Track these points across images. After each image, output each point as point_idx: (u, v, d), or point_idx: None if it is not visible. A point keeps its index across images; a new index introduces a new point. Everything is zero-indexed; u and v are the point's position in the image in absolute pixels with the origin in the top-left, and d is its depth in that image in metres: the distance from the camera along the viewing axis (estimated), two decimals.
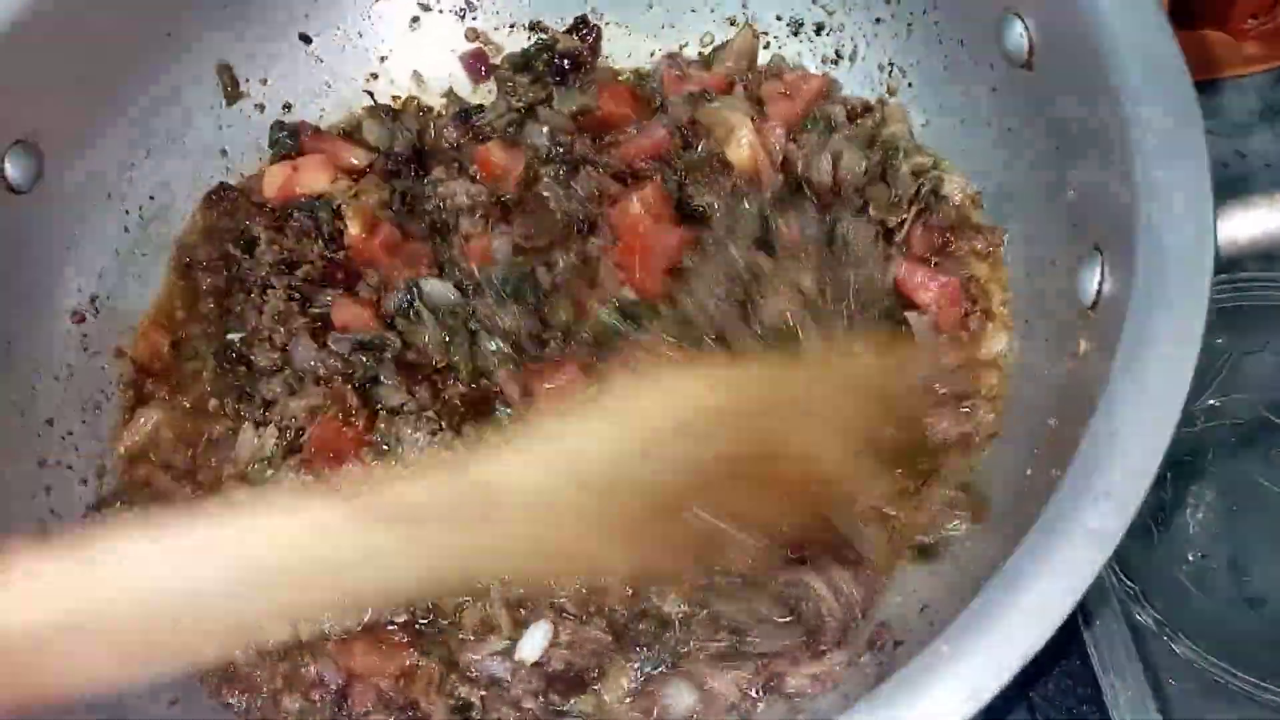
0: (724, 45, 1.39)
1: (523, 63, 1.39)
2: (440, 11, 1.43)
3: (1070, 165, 1.01)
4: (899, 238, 1.22)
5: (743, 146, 1.25)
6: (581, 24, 1.41)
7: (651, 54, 1.42)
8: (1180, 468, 1.21)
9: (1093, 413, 0.76)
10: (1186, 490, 1.21)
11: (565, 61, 1.38)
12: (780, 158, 1.27)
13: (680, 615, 1.06)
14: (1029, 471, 0.96)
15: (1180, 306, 0.77)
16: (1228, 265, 1.21)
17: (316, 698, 1.06)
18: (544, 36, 1.42)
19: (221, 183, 1.33)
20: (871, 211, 1.22)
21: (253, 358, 1.21)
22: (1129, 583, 1.15)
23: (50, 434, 1.17)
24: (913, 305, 1.18)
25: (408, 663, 1.06)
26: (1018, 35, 1.05)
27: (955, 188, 1.23)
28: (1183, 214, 0.81)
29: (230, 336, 1.23)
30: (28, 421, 1.15)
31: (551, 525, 0.82)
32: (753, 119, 1.27)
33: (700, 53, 1.41)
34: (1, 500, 1.10)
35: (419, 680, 1.05)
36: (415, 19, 1.43)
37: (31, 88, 1.12)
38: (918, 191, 1.22)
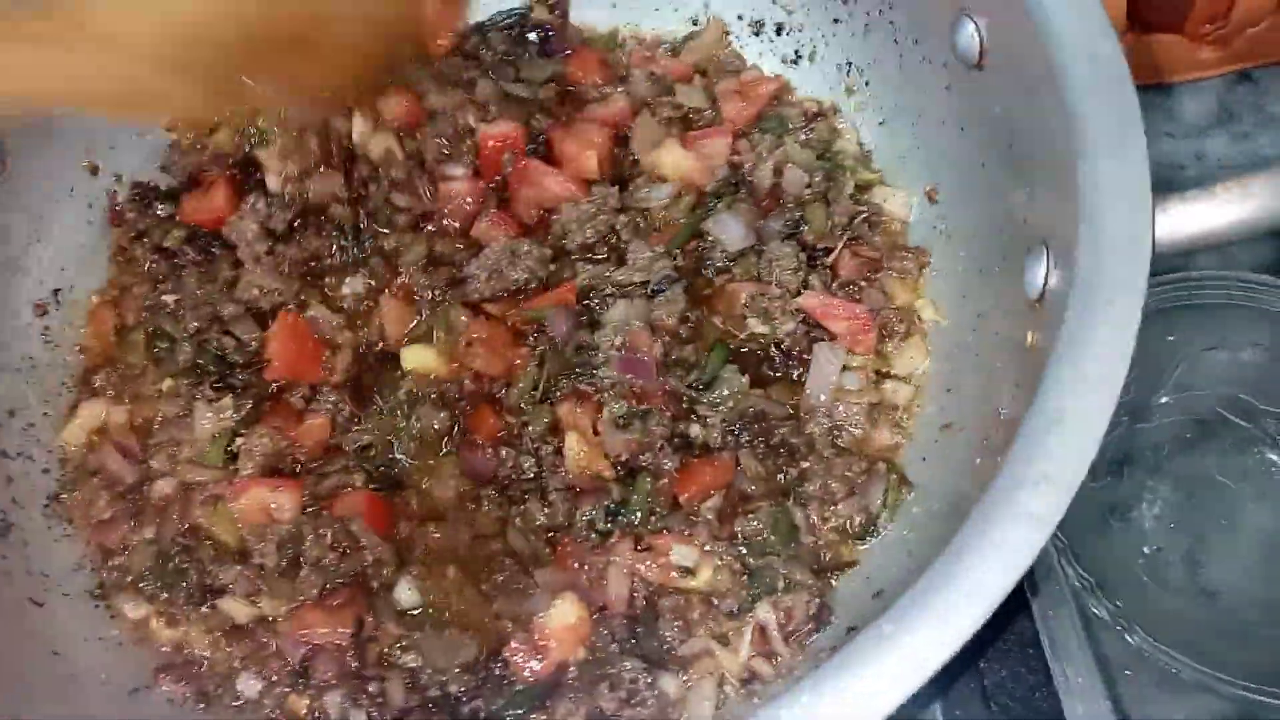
0: (693, 36, 1.42)
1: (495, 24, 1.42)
2: None
3: (1020, 163, 1.03)
4: (827, 261, 1.25)
5: (664, 166, 1.29)
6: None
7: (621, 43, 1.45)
8: (1137, 462, 1.23)
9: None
10: (1143, 484, 1.22)
11: (538, 32, 1.41)
12: (720, 164, 1.29)
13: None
14: (978, 460, 0.97)
15: (1118, 298, 0.80)
16: (1176, 260, 1.25)
17: (275, 675, 1.07)
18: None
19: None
20: (805, 232, 1.25)
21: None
22: (1085, 575, 1.16)
23: (11, 425, 1.17)
24: (824, 331, 1.21)
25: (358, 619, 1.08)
26: (969, 36, 1.07)
27: (898, 205, 1.27)
28: (1122, 209, 0.83)
29: (164, 298, 1.25)
30: None
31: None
32: (681, 137, 1.31)
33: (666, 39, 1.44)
34: None
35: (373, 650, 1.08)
36: None
37: None
38: (851, 221, 1.26)
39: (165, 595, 1.10)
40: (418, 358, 1.20)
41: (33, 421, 1.19)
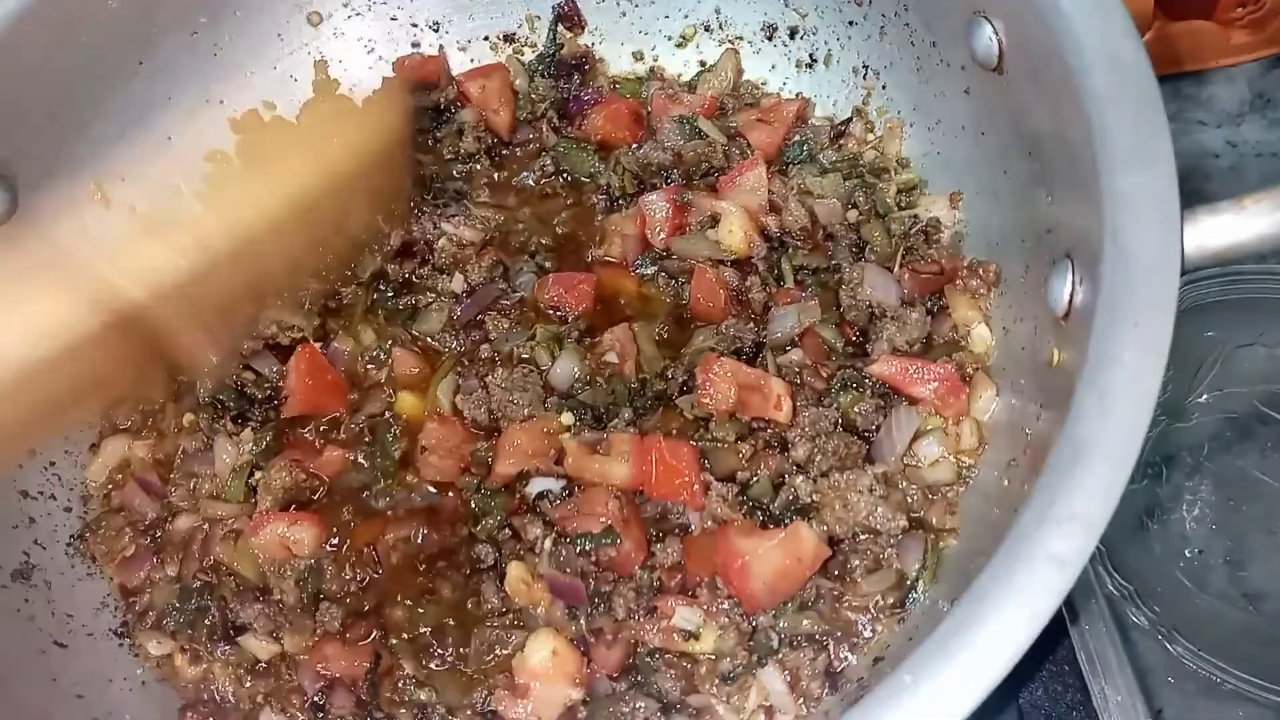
0: (709, 69, 1.40)
1: (538, 69, 1.42)
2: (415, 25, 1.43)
3: (1041, 171, 1.00)
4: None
5: (734, 232, 1.23)
6: (563, 20, 1.42)
7: (636, 55, 1.43)
8: (1175, 463, 1.21)
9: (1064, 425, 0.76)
10: (1182, 486, 1.20)
11: (571, 63, 1.41)
12: (762, 196, 1.25)
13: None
14: (1006, 483, 0.94)
15: (1145, 318, 0.76)
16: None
17: (295, 711, 1.07)
18: (539, 44, 1.43)
19: None
20: (869, 255, 1.20)
21: None
22: (1123, 582, 1.14)
23: (33, 465, 1.18)
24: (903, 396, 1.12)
25: (375, 654, 1.08)
26: (987, 39, 1.04)
27: (943, 212, 1.22)
28: (1149, 222, 0.80)
29: None
30: None
31: None
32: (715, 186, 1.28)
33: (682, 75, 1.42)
34: None
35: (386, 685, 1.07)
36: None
37: (3, 121, 1.13)
38: (907, 232, 1.20)
39: (189, 632, 1.11)
40: (408, 404, 1.21)
41: (54, 460, 1.19)
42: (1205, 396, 1.23)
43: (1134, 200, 0.81)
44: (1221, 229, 0.82)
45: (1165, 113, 0.84)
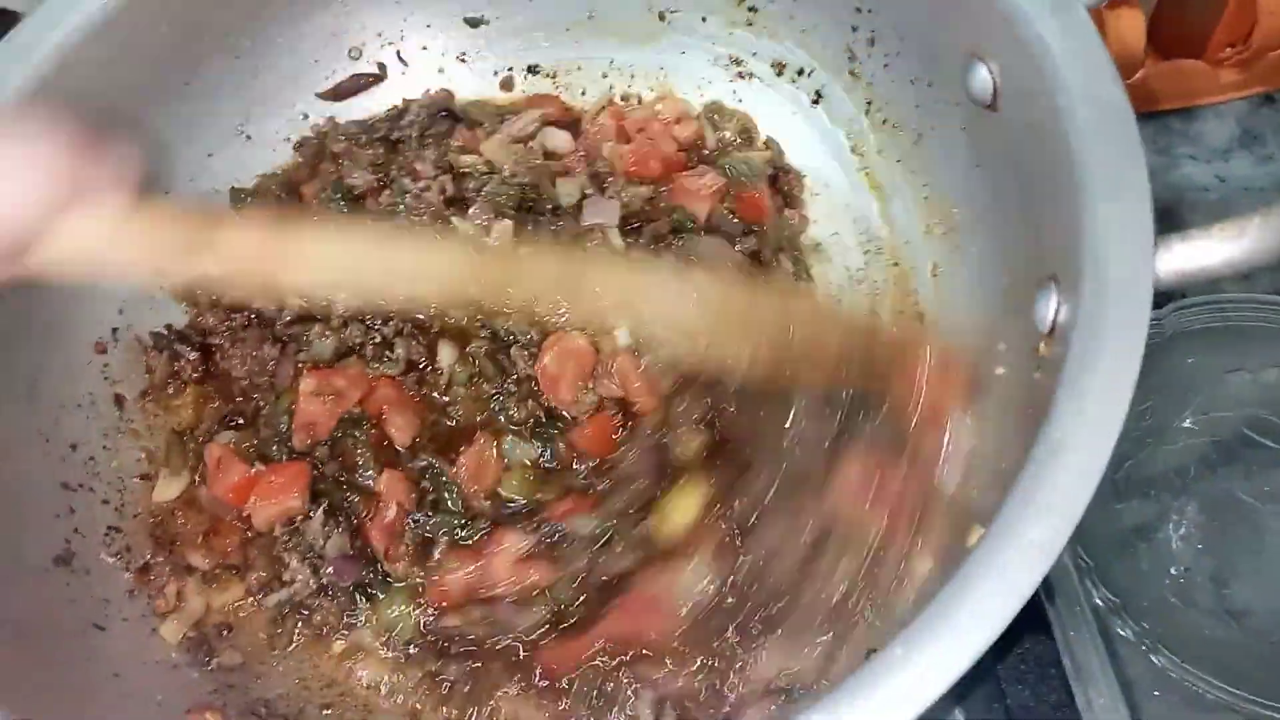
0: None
1: None
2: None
3: (1030, 201, 1.06)
4: None
5: None
6: None
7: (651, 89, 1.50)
8: (1162, 484, 1.25)
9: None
10: (1169, 506, 1.24)
11: None
12: None
13: None
14: (989, 490, 0.99)
15: (1120, 332, 0.82)
16: (1206, 288, 1.26)
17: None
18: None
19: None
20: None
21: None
22: (1110, 596, 1.18)
23: (73, 459, 1.23)
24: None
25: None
26: (983, 78, 1.10)
27: None
28: (1124, 246, 0.86)
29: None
30: (52, 447, 1.21)
31: None
32: None
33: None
34: (26, 522, 1.15)
35: None
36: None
37: None
38: None
39: None
40: None
41: (93, 455, 1.24)
42: (1190, 421, 1.28)
43: (1113, 225, 0.87)
44: (1193, 253, 0.88)
45: (1142, 148, 0.90)
